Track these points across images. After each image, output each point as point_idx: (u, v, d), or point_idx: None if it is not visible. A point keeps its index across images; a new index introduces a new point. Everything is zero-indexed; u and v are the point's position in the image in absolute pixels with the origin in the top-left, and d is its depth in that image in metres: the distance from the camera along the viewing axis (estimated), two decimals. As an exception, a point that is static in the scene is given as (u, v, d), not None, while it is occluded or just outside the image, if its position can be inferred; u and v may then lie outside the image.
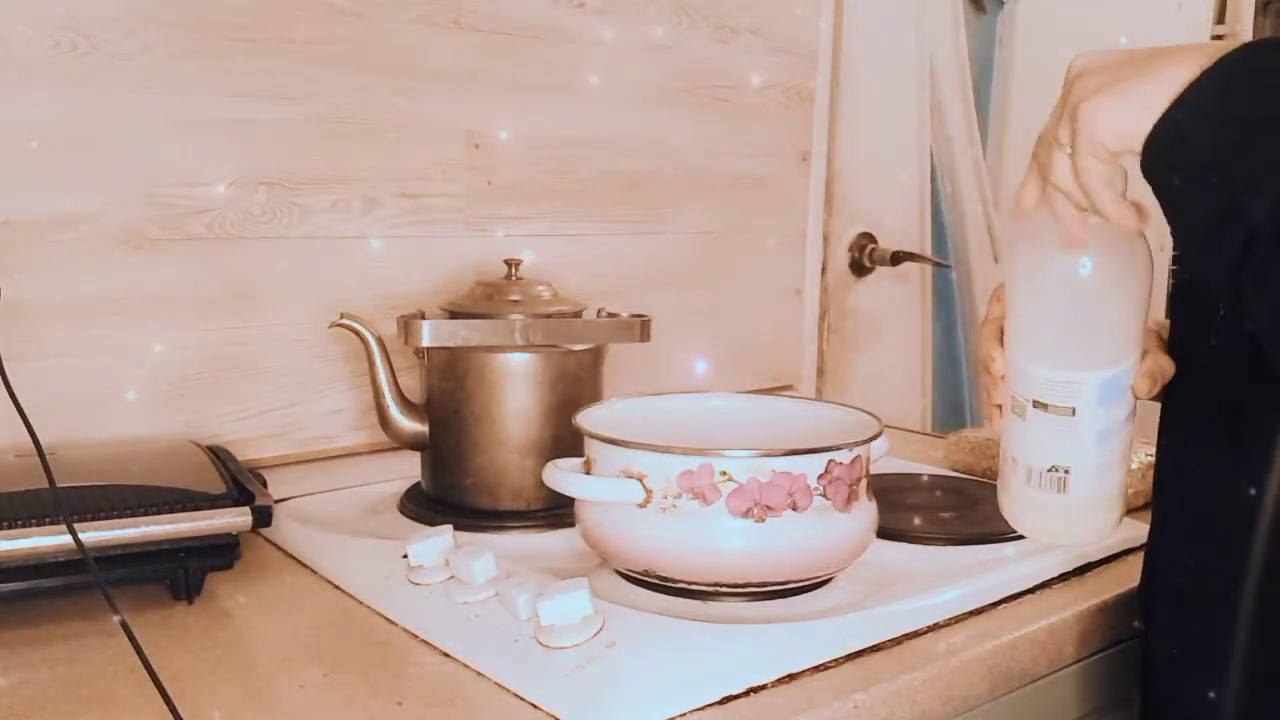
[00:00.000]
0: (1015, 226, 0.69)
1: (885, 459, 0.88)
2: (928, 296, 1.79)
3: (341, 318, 0.99)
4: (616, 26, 1.28)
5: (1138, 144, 0.58)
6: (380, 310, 1.11)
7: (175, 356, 1.02)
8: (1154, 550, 0.78)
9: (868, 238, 1.66)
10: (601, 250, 1.31)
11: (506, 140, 1.21)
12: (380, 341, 0.99)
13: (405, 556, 0.83)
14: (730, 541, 0.76)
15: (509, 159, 1.21)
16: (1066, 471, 0.70)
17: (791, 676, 0.71)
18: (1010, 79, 1.91)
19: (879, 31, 1.64)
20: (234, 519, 0.80)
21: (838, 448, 0.78)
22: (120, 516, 0.77)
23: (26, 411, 0.72)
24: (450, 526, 0.86)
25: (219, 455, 0.92)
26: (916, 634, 0.78)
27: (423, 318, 0.98)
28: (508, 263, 1.04)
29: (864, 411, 0.87)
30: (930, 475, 1.13)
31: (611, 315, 1.05)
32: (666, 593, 0.80)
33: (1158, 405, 0.78)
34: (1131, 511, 1.02)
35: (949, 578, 0.84)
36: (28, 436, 0.72)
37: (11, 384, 0.74)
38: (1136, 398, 0.71)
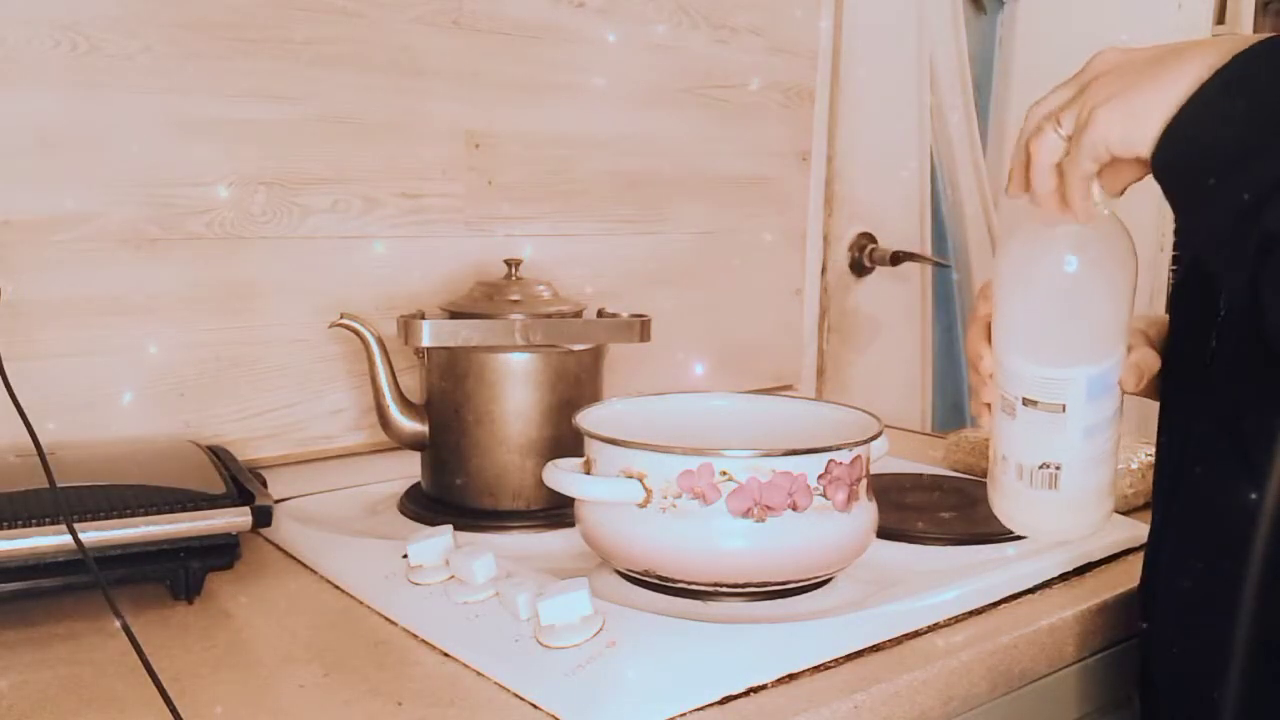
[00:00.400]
0: (1002, 225, 0.69)
1: (885, 459, 0.88)
2: (928, 296, 1.79)
3: (341, 318, 0.99)
4: (616, 26, 1.28)
5: (1145, 150, 0.58)
6: (380, 310, 1.11)
7: (175, 356, 1.02)
8: (1154, 550, 0.78)
9: (868, 238, 1.66)
10: (601, 250, 1.31)
11: (506, 140, 1.21)
12: (380, 341, 0.99)
13: (405, 556, 0.83)
14: (730, 541, 0.76)
15: (509, 159, 1.21)
16: (1057, 468, 0.70)
17: (791, 676, 0.71)
18: (1010, 79, 1.91)
19: (879, 31, 1.64)
20: (234, 519, 0.80)
21: (838, 448, 0.78)
22: (120, 516, 0.77)
23: (26, 411, 0.72)
24: (450, 526, 0.86)
25: (219, 455, 0.92)
26: (916, 634, 0.78)
27: (423, 318, 0.98)
28: (508, 263, 1.04)
29: (864, 411, 0.87)
30: (930, 475, 1.13)
31: (611, 315, 1.05)
32: (666, 593, 0.80)
33: (1157, 405, 0.78)
34: (1131, 511, 1.02)
35: (949, 578, 0.84)
36: (28, 436, 0.72)
37: (11, 384, 0.74)
38: (1124, 392, 0.71)
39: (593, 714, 0.65)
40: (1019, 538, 0.83)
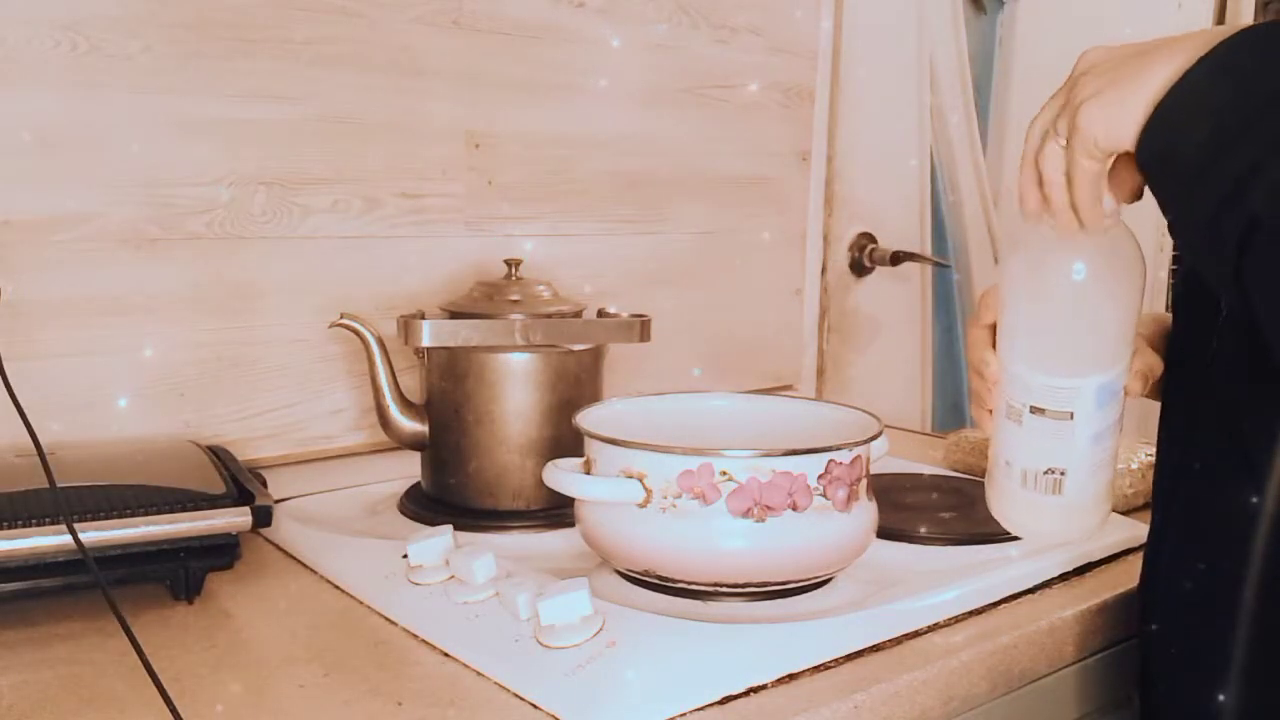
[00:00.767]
0: (1012, 234, 0.69)
1: (885, 459, 0.88)
2: (928, 296, 1.79)
3: (341, 318, 0.99)
4: (616, 26, 1.28)
5: (1129, 141, 0.58)
6: (380, 310, 1.11)
7: (175, 356, 1.02)
8: (1154, 550, 0.78)
9: (868, 238, 1.66)
10: (601, 250, 1.31)
11: (506, 140, 1.21)
12: (380, 341, 0.99)
13: (405, 556, 0.83)
14: (730, 541, 0.76)
15: (509, 159, 1.21)
16: (1062, 473, 0.70)
17: (791, 676, 0.71)
18: (1010, 79, 1.91)
19: (879, 31, 1.64)
20: (234, 519, 0.80)
21: (838, 448, 0.78)
22: (120, 516, 0.77)
23: (26, 411, 0.72)
24: (450, 526, 0.86)
25: (219, 455, 0.92)
26: (916, 634, 0.78)
27: (423, 318, 0.98)
28: (508, 263, 1.04)
29: (864, 411, 0.87)
30: (930, 475, 1.13)
31: (611, 315, 1.05)
32: (666, 593, 0.80)
33: (1158, 405, 0.78)
34: (1131, 511, 1.02)
35: (949, 578, 0.84)
36: (28, 436, 0.72)
37: (11, 384, 0.74)
38: (1129, 396, 0.71)
39: (593, 714, 0.65)
40: (1019, 538, 0.83)
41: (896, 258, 1.64)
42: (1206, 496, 0.72)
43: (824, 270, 1.61)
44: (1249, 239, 0.52)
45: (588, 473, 0.81)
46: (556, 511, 0.95)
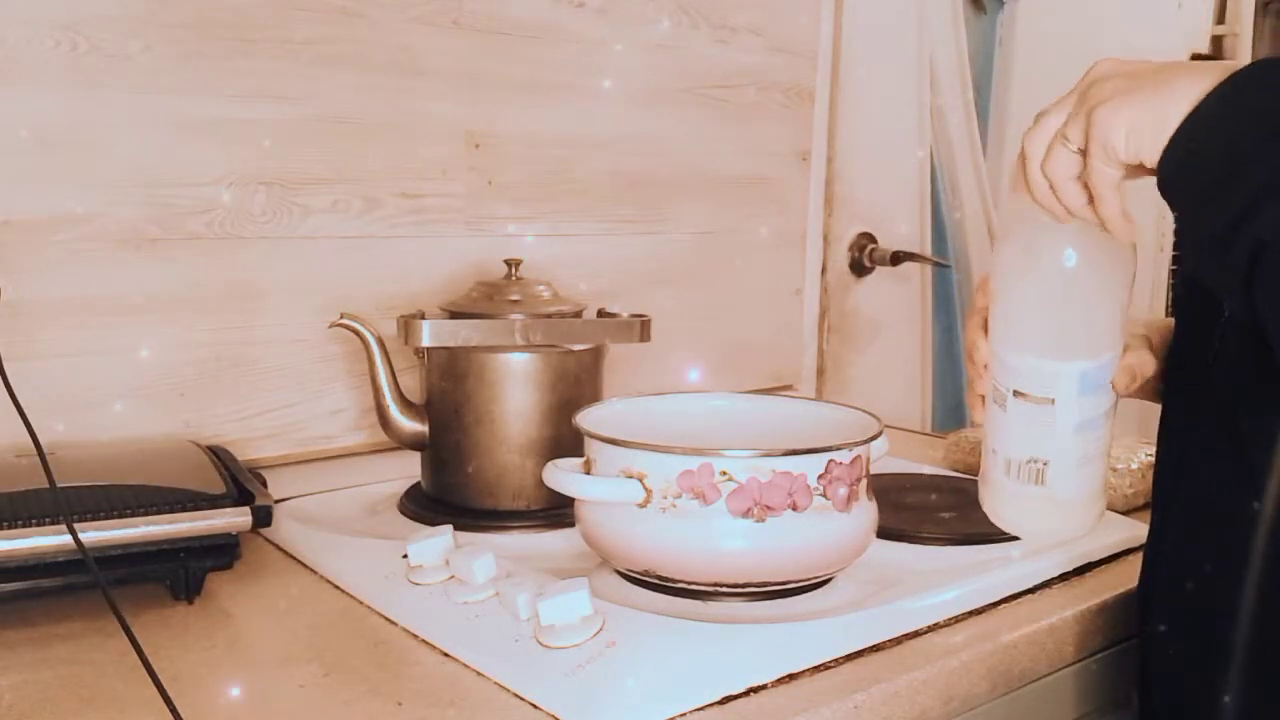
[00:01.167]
0: (1002, 221, 0.70)
1: (885, 459, 0.88)
2: (928, 296, 1.79)
3: (341, 318, 0.99)
4: (616, 26, 1.28)
5: (1151, 158, 0.58)
6: (380, 310, 1.11)
7: (175, 356, 1.02)
8: (1154, 550, 0.78)
9: (868, 238, 1.66)
10: (601, 250, 1.31)
11: (506, 140, 1.21)
12: (380, 341, 0.99)
13: (405, 556, 0.83)
14: (730, 541, 0.76)
15: (509, 159, 1.21)
16: (1045, 463, 0.71)
17: (791, 676, 0.71)
18: (1010, 79, 1.91)
19: (879, 31, 1.64)
20: (234, 519, 0.80)
21: (838, 448, 0.78)
22: (120, 516, 0.77)
23: (26, 411, 0.72)
24: (450, 526, 0.86)
25: (219, 455, 0.92)
26: (916, 634, 0.78)
27: (423, 318, 0.98)
28: (508, 263, 1.04)
29: (864, 411, 0.87)
30: (930, 475, 1.13)
31: (611, 315, 1.05)
32: (666, 593, 0.80)
33: (1158, 405, 0.78)
34: (1131, 511, 1.02)
35: (949, 578, 0.84)
36: (28, 436, 0.72)
37: (11, 384, 0.74)
38: (1116, 393, 0.71)
39: (593, 714, 0.65)
40: (1019, 538, 0.83)
41: (896, 258, 1.64)
42: (1206, 496, 0.72)
43: (824, 270, 1.61)
44: (1257, 258, 0.54)
45: (588, 473, 0.81)
46: (556, 511, 0.95)
